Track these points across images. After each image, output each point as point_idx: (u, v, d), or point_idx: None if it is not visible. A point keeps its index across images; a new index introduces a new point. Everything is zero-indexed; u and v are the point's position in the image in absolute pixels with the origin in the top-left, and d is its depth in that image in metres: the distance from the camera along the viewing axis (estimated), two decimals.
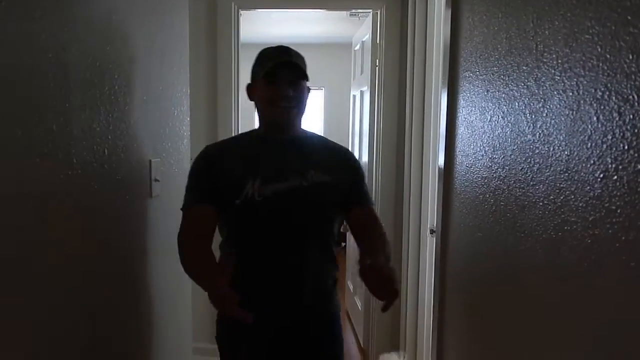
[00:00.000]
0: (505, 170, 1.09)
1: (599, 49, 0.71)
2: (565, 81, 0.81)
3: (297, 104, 1.34)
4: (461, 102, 1.47)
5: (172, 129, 1.64)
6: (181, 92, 1.74)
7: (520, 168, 1.01)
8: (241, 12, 2.77)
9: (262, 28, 4.62)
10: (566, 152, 0.80)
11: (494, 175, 1.15)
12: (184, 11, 1.81)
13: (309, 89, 1.40)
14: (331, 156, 1.44)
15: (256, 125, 1.46)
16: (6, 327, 0.81)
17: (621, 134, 0.65)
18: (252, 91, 1.40)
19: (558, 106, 0.84)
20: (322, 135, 1.64)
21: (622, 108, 0.65)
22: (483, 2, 1.27)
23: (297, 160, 1.36)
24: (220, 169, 1.34)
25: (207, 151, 1.39)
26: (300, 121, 1.42)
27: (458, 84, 1.50)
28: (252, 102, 1.41)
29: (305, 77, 1.35)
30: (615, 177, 0.66)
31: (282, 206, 1.32)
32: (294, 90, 1.32)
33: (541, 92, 0.91)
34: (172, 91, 1.66)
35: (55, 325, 0.97)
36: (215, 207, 1.32)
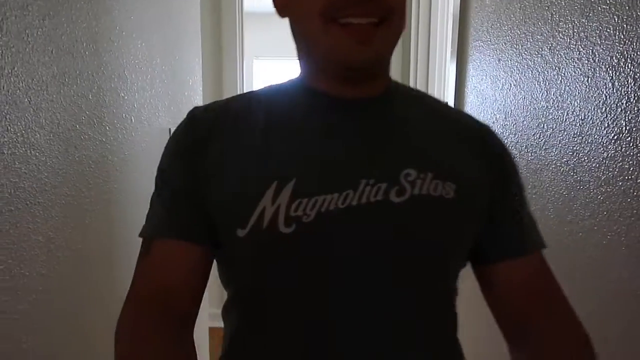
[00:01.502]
0: (517, 136, 1.15)
1: (616, 19, 0.76)
2: (581, 49, 0.86)
3: (388, 19, 0.60)
4: (471, 72, 1.52)
5: (188, 98, 1.67)
6: (194, 62, 1.77)
7: (532, 133, 1.06)
8: None
9: None
10: (580, 117, 0.86)
11: (506, 142, 1.21)
12: None
13: None
14: (457, 139, 0.68)
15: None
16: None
17: (636, 98, 0.71)
18: None
19: (573, 73, 0.89)
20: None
21: (638, 74, 0.71)
22: None
23: (380, 147, 0.65)
24: (216, 144, 0.64)
25: (198, 113, 0.68)
26: (390, 58, 0.68)
27: (468, 53, 1.54)
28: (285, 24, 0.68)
29: None
30: (629, 138, 0.72)
31: (336, 250, 0.60)
32: None
33: (556, 61, 0.96)
34: (187, 60, 1.69)
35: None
36: (205, 245, 0.64)
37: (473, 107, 1.48)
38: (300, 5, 0.62)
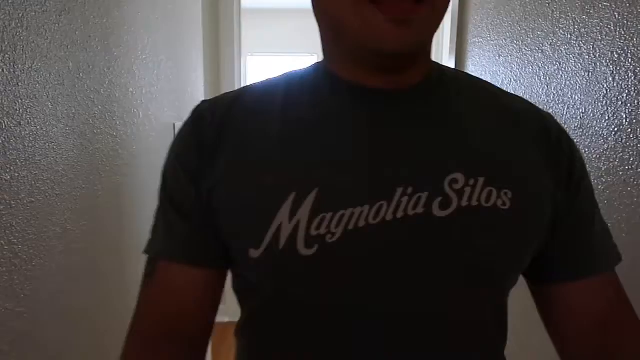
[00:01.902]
0: None
1: (617, 15, 0.79)
2: (582, 45, 0.89)
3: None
4: (470, 67, 1.55)
5: (191, 94, 1.69)
6: (197, 58, 1.79)
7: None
8: None
9: None
10: (581, 110, 0.89)
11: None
12: None
13: None
14: (514, 136, 0.56)
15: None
16: None
17: (636, 92, 0.74)
18: None
19: (574, 68, 0.92)
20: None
21: (638, 69, 0.74)
22: None
23: (418, 148, 0.54)
24: (224, 155, 0.55)
25: (203, 111, 0.58)
26: (431, 44, 0.57)
27: (467, 49, 1.57)
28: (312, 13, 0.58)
29: None
30: (630, 130, 0.75)
31: (369, 275, 0.52)
32: None
33: (556, 56, 0.99)
34: (190, 56, 1.70)
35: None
36: (215, 269, 0.58)
37: None
38: None
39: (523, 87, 1.15)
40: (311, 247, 0.49)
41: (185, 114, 0.59)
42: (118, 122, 1.10)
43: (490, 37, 1.37)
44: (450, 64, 1.70)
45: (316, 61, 0.60)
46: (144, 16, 1.25)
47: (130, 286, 0.62)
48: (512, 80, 1.21)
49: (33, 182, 0.77)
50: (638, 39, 0.74)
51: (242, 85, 2.87)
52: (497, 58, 1.32)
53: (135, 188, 1.19)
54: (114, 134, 1.07)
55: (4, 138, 0.70)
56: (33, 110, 0.77)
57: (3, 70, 0.69)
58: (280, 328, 0.55)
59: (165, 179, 0.58)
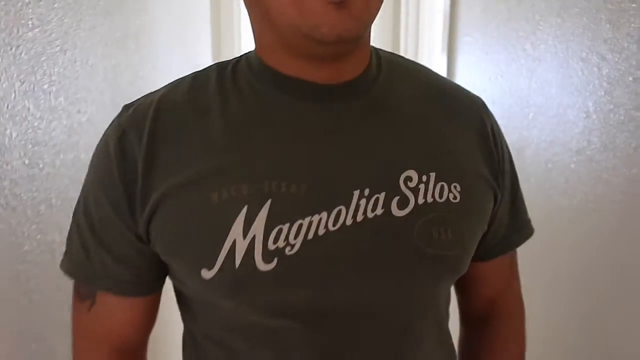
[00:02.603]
0: (503, 120, 1.31)
1: (585, 19, 0.93)
2: (557, 45, 1.03)
3: None
4: (460, 64, 1.69)
5: None
6: (204, 52, 1.92)
7: (517, 118, 1.24)
8: None
9: None
10: (557, 101, 1.04)
11: (489, 118, 1.39)
12: None
13: None
14: (453, 123, 0.56)
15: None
16: None
17: (599, 84, 0.88)
18: None
19: (551, 65, 1.06)
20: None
21: (601, 64, 0.88)
22: None
23: (370, 147, 0.51)
24: (158, 179, 0.49)
25: (124, 132, 0.50)
26: (370, 31, 0.52)
27: (457, 48, 1.71)
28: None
29: None
30: (594, 116, 0.90)
31: (331, 285, 0.49)
32: None
33: (537, 54, 1.13)
34: (198, 51, 1.83)
35: None
36: (153, 295, 0.57)
37: None
38: None
39: (508, 82, 1.29)
40: (270, 262, 0.46)
41: None
42: None
43: (479, 37, 1.51)
44: (443, 60, 1.84)
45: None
46: (162, 20, 1.38)
47: None
48: (499, 76, 1.35)
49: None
50: (600, 40, 0.88)
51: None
52: (484, 56, 1.46)
53: None
54: None
55: (69, 124, 0.82)
56: (88, 100, 0.89)
57: (67, 67, 0.82)
58: (240, 339, 0.52)
59: (87, 205, 0.52)
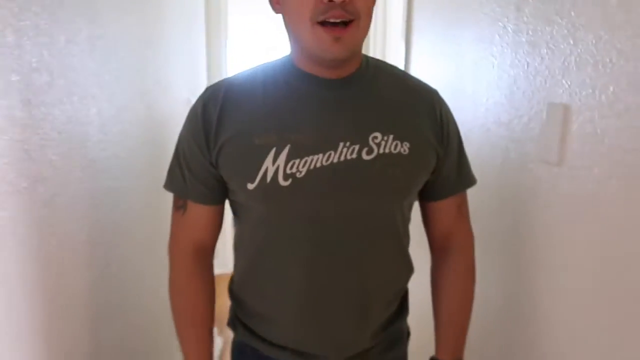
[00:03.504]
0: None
1: (509, 28, 1.29)
2: (493, 48, 1.37)
3: (356, 20, 0.78)
4: (414, 56, 2.04)
5: (199, 74, 2.14)
6: (200, 43, 2.23)
7: (447, 101, 1.60)
8: None
9: None
10: (470, 87, 1.40)
11: (440, 103, 1.75)
12: None
13: None
14: (412, 106, 0.89)
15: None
16: None
17: (507, 75, 1.24)
18: None
19: (486, 63, 1.41)
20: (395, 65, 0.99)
21: (515, 62, 1.24)
22: None
23: (353, 116, 0.85)
24: (225, 131, 0.83)
25: (207, 101, 0.86)
26: (361, 47, 0.87)
27: (412, 42, 2.06)
28: (279, 17, 0.85)
29: None
30: (498, 95, 1.26)
31: (323, 195, 0.83)
32: None
33: (461, 51, 1.49)
34: (196, 42, 2.14)
35: None
36: (220, 205, 0.91)
37: None
38: (294, 11, 0.78)
39: (449, 73, 1.65)
40: (287, 180, 0.80)
41: (195, 92, 0.99)
42: (161, 98, 1.55)
43: (429, 38, 1.86)
44: (401, 54, 2.19)
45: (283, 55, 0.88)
46: (175, 18, 1.69)
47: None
48: (442, 67, 1.71)
49: (121, 137, 1.23)
50: (515, 44, 1.24)
51: (226, 66, 3.24)
52: (430, 49, 1.81)
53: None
54: (161, 104, 1.53)
55: (107, 108, 1.15)
56: (120, 89, 1.22)
57: (111, 65, 1.15)
58: (269, 231, 0.86)
59: (181, 141, 0.88)
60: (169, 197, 0.93)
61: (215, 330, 2.68)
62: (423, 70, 1.90)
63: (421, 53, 1.93)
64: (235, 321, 1.00)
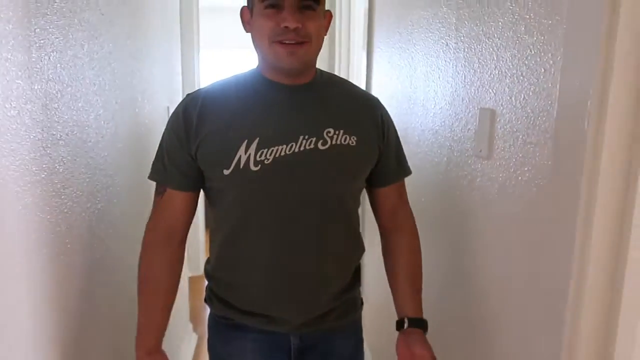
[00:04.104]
0: (397, 108, 1.89)
1: (444, 44, 1.50)
2: (439, 61, 1.60)
3: (308, 41, 0.96)
4: (374, 68, 2.26)
5: (176, 83, 2.29)
6: (177, 53, 2.37)
7: (402, 107, 1.81)
8: None
9: None
10: (422, 96, 1.61)
11: (392, 112, 1.96)
12: None
13: (327, 14, 1.04)
14: (357, 109, 1.11)
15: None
16: None
17: (435, 83, 1.46)
18: (247, 17, 1.03)
19: (421, 72, 1.63)
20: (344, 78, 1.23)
21: (440, 75, 1.45)
22: None
23: (310, 115, 1.04)
24: (204, 128, 1.01)
25: (187, 104, 1.03)
26: (314, 61, 1.06)
27: (373, 55, 2.28)
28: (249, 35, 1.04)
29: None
30: (443, 102, 1.47)
31: (287, 178, 1.01)
32: (304, 19, 0.95)
33: (414, 64, 1.70)
34: (173, 52, 2.29)
35: None
36: (194, 192, 1.08)
37: (375, 92, 2.23)
38: (258, 32, 0.98)
39: (401, 83, 1.86)
40: (257, 166, 0.98)
41: (172, 100, 1.22)
42: (147, 105, 1.70)
43: (384, 48, 2.08)
44: (363, 66, 2.40)
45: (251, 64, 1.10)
46: (157, 32, 1.84)
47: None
48: (395, 78, 1.92)
49: (113, 139, 1.38)
50: (459, 59, 1.45)
51: (199, 75, 3.38)
52: (387, 63, 2.03)
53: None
54: (145, 111, 1.68)
55: (109, 110, 1.30)
56: (113, 96, 1.37)
57: (106, 76, 1.30)
58: (241, 211, 1.03)
59: (164, 138, 1.06)
60: (152, 195, 1.10)
61: (190, 326, 2.84)
62: (383, 80, 2.11)
63: (380, 65, 2.15)
64: (211, 296, 1.16)
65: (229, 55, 4.91)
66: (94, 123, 1.20)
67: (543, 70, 0.92)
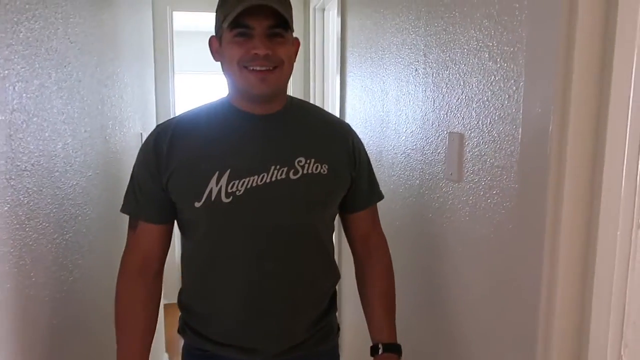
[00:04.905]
0: (370, 131, 1.91)
1: (411, 68, 1.54)
2: (392, 82, 1.63)
3: (279, 67, 0.96)
4: (348, 92, 2.28)
5: (150, 110, 2.27)
6: (150, 80, 2.37)
7: (376, 130, 1.83)
8: (174, 12, 3.36)
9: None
10: (394, 119, 1.63)
11: (365, 135, 1.98)
12: (149, 15, 2.42)
13: (295, 42, 1.04)
14: (329, 136, 1.10)
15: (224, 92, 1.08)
16: None
17: (406, 107, 1.48)
18: (216, 47, 1.03)
19: (392, 96, 1.66)
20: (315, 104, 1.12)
21: (410, 99, 1.48)
22: (357, 16, 2.08)
23: (281, 145, 1.02)
24: (174, 159, 0.99)
25: (158, 135, 1.02)
26: (285, 88, 1.06)
27: (346, 80, 2.31)
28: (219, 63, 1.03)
29: (288, 26, 0.97)
30: (414, 125, 1.49)
31: (259, 209, 0.99)
32: (274, 45, 0.95)
33: (385, 88, 1.73)
34: (147, 79, 2.28)
35: None
36: (168, 224, 1.05)
37: (350, 116, 2.25)
38: (228, 59, 0.97)
39: (373, 107, 1.88)
40: (229, 198, 0.97)
41: (146, 126, 1.18)
42: (118, 132, 1.68)
43: (357, 73, 2.11)
44: (337, 93, 2.43)
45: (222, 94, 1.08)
46: (129, 58, 1.84)
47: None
48: (368, 102, 1.95)
49: (83, 168, 1.36)
50: (428, 84, 1.48)
51: (174, 100, 3.38)
52: (361, 88, 2.06)
53: (121, 179, 1.78)
54: (116, 138, 1.66)
55: (78, 138, 1.29)
56: (83, 124, 1.35)
57: (75, 104, 1.28)
58: (214, 243, 1.00)
59: (135, 170, 1.03)
60: (124, 223, 1.07)
61: (166, 356, 2.76)
62: (356, 104, 2.14)
63: (354, 89, 2.18)
64: (184, 327, 1.13)
65: (205, 80, 4.92)
66: (62, 152, 1.18)
67: (507, 96, 0.94)
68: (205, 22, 5.22)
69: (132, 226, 1.06)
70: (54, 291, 1.11)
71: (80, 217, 1.29)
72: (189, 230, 1.05)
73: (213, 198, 0.97)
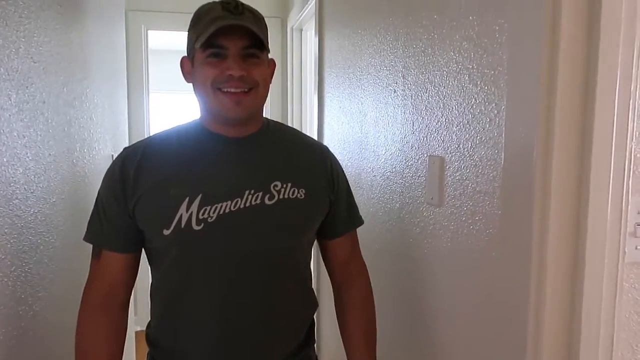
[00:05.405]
0: (348, 152, 1.88)
1: (391, 90, 1.51)
2: (371, 103, 1.61)
3: (254, 89, 0.92)
4: (325, 113, 2.26)
5: (122, 131, 2.20)
6: (123, 101, 2.30)
7: (354, 152, 1.80)
8: (149, 31, 3.31)
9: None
10: (373, 141, 1.60)
11: (343, 157, 1.95)
12: (122, 34, 2.36)
13: (270, 63, 1.01)
14: (306, 159, 1.05)
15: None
16: None
17: (385, 129, 1.45)
18: (188, 68, 0.98)
19: (371, 117, 1.63)
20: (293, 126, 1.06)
21: (389, 121, 1.45)
22: (335, 36, 2.06)
23: (256, 169, 0.97)
24: (142, 184, 0.93)
25: (125, 158, 0.96)
26: (261, 110, 1.02)
27: (324, 101, 2.28)
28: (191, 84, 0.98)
29: (263, 47, 0.94)
30: (394, 148, 1.46)
31: (232, 236, 0.93)
32: (249, 66, 0.91)
33: (364, 109, 1.70)
34: (119, 100, 2.21)
35: None
36: (135, 253, 0.98)
37: (328, 137, 2.22)
38: (201, 81, 0.92)
39: (351, 128, 1.86)
40: (200, 225, 0.91)
41: (117, 147, 1.09)
42: (86, 155, 1.61)
43: (336, 95, 2.08)
44: (315, 113, 2.40)
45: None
46: (100, 77, 1.77)
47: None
48: (346, 123, 1.92)
49: (46, 194, 1.28)
50: (407, 106, 1.45)
51: (149, 120, 3.30)
52: (339, 109, 2.03)
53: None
54: (85, 161, 1.59)
55: (40, 159, 1.22)
56: (47, 147, 1.28)
57: (38, 127, 1.22)
58: (183, 273, 0.94)
59: (100, 195, 0.97)
60: (89, 251, 1.01)
61: None
62: (334, 125, 2.11)
63: (332, 110, 2.15)
64: None
65: (182, 99, 4.85)
66: (22, 178, 1.11)
67: (488, 119, 0.92)
68: (182, 40, 5.18)
69: (95, 255, 0.98)
70: (12, 328, 1.03)
71: (42, 247, 1.21)
72: (157, 259, 0.99)
73: (183, 225, 0.91)
